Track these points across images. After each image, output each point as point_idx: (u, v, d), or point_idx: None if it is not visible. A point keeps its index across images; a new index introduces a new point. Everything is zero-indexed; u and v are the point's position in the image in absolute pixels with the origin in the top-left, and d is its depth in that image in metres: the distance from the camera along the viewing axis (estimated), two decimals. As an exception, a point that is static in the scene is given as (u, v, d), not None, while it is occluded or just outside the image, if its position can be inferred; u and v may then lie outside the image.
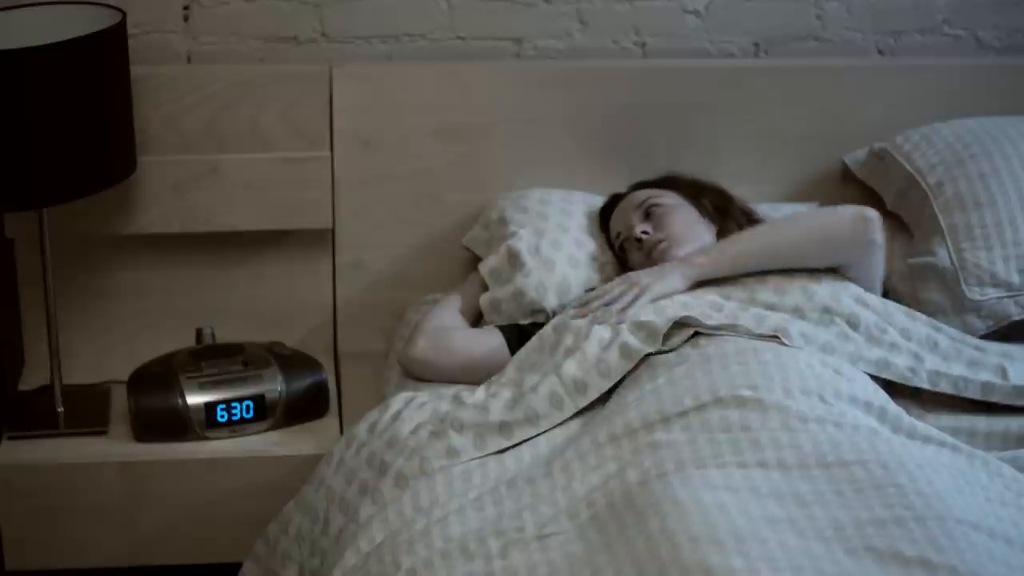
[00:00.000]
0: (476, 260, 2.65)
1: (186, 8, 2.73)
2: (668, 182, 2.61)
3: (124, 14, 2.43)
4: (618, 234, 2.55)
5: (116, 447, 2.54)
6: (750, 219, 2.58)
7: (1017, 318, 2.46)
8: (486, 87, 2.75)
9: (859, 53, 2.89)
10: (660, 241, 2.46)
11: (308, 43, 2.78)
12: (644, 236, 2.47)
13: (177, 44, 2.75)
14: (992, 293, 2.45)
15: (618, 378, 2.20)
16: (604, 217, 2.62)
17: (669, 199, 2.54)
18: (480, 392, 2.27)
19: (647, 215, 2.51)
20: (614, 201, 2.62)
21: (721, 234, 2.52)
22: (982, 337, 2.46)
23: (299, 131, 2.69)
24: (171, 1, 2.73)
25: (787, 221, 2.51)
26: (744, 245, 2.40)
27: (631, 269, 2.49)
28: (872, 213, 2.40)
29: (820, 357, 2.18)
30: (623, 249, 2.54)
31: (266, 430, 2.58)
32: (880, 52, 2.90)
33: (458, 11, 2.79)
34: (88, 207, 2.55)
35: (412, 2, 2.78)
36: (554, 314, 2.46)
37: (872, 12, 2.87)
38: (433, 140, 2.74)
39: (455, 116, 2.73)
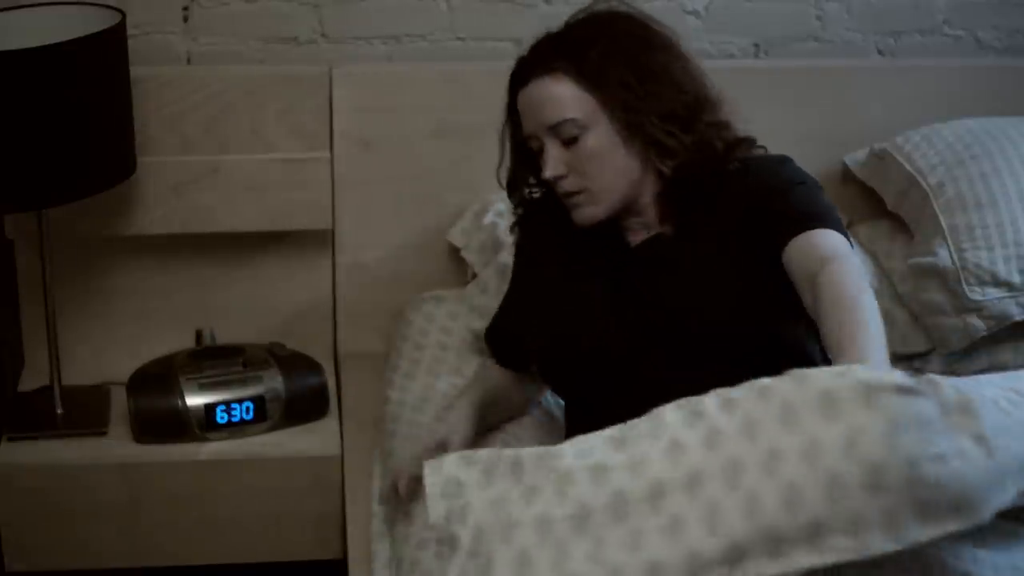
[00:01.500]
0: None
1: (186, 9, 2.73)
2: (603, 67, 2.04)
3: (124, 15, 2.43)
4: (528, 137, 2.11)
5: (116, 448, 2.54)
6: (728, 150, 2.09)
7: (1018, 319, 2.46)
8: (486, 88, 2.73)
9: (859, 54, 2.89)
10: (578, 192, 2.07)
11: (308, 44, 2.78)
12: (556, 175, 2.07)
13: (177, 45, 2.75)
14: (993, 293, 2.45)
15: None
16: (511, 92, 2.16)
17: (597, 125, 2.04)
18: None
19: (563, 141, 2.06)
20: (523, 74, 2.12)
21: (668, 191, 2.06)
22: (983, 338, 2.46)
23: (299, 132, 2.69)
24: (171, 2, 2.73)
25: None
26: None
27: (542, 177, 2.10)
28: None
29: None
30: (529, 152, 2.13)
31: (266, 431, 2.58)
32: (880, 53, 2.90)
33: (458, 12, 2.79)
34: (88, 208, 2.55)
35: (412, 3, 2.78)
36: None
37: (872, 13, 2.87)
38: (433, 141, 2.74)
39: (455, 117, 2.73)
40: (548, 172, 2.06)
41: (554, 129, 2.05)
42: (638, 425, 1.65)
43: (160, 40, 2.73)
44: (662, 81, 2.04)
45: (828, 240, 1.93)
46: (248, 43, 2.76)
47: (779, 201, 2.00)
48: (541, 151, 2.08)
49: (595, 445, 1.66)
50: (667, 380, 1.87)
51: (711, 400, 1.63)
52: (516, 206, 2.24)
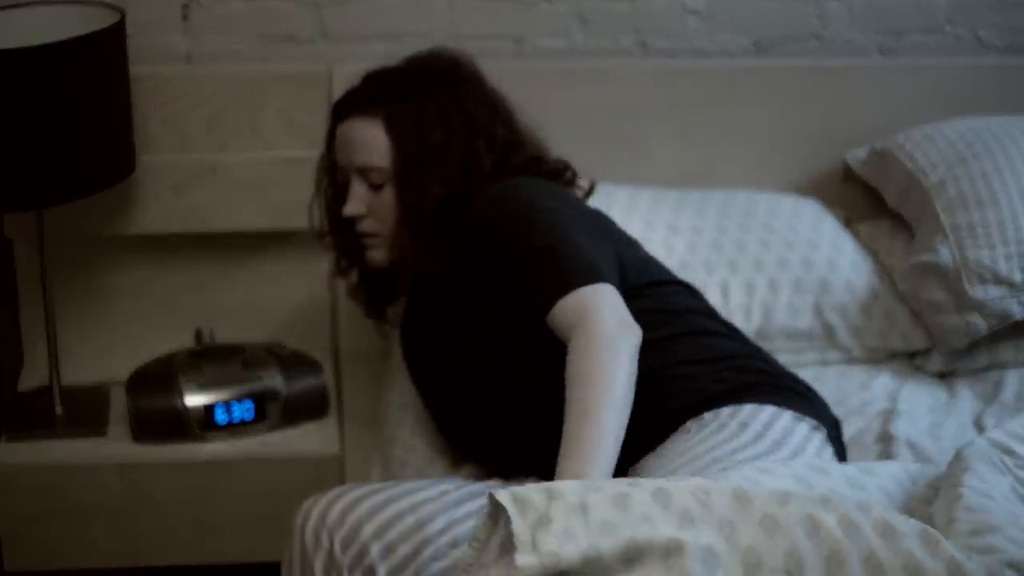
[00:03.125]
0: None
1: (185, 7, 2.73)
2: (402, 126, 2.13)
3: (123, 13, 2.43)
4: (339, 168, 2.21)
5: (115, 448, 2.54)
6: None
7: (1019, 317, 2.46)
8: (486, 87, 2.74)
9: (860, 53, 2.89)
10: (373, 236, 2.18)
11: (308, 43, 2.77)
12: (355, 215, 2.17)
13: (177, 44, 2.74)
14: (994, 292, 2.44)
15: None
16: (333, 121, 2.24)
17: (397, 169, 2.13)
18: None
19: (369, 184, 2.16)
20: (346, 107, 2.20)
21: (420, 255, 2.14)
22: (984, 336, 2.46)
23: (299, 131, 2.69)
24: (170, 0, 2.72)
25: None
26: None
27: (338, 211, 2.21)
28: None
29: None
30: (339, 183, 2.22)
31: (266, 431, 2.58)
32: (881, 52, 2.90)
33: (458, 10, 2.79)
34: (88, 207, 2.55)
35: (412, 1, 2.78)
36: None
37: (873, 12, 2.86)
38: (433, 140, 2.73)
39: (455, 116, 2.73)
40: (347, 210, 2.14)
41: (361, 171, 2.14)
42: None
43: (160, 39, 2.73)
44: (446, 159, 2.11)
45: (574, 304, 1.91)
46: (248, 42, 2.76)
47: (523, 272, 2.00)
48: (347, 186, 2.17)
49: None
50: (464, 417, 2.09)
51: None
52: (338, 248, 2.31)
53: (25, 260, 2.71)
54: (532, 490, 1.48)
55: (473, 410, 2.08)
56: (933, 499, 1.79)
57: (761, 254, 2.55)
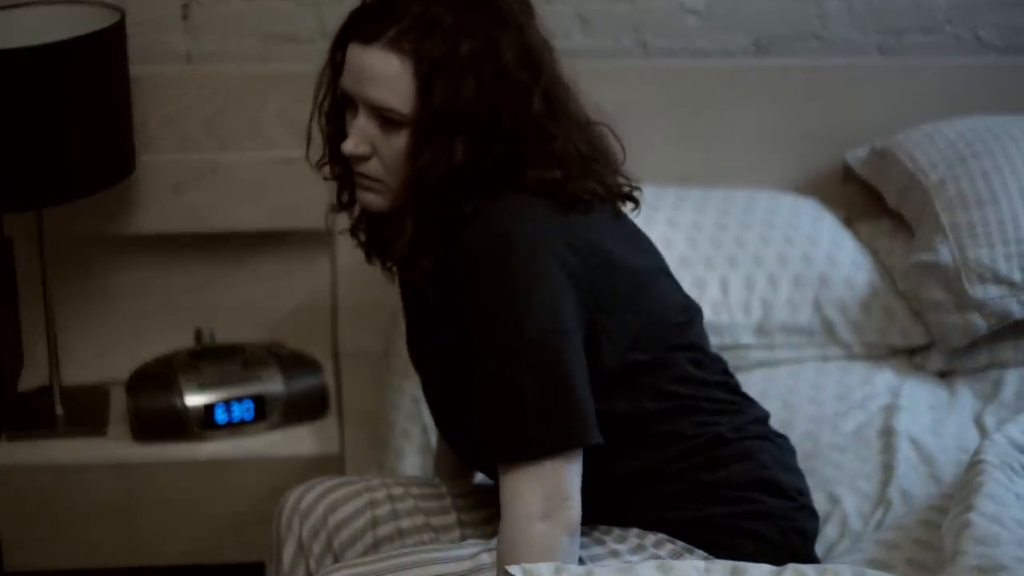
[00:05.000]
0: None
1: (185, 7, 2.73)
2: (435, 80, 1.73)
3: (123, 13, 2.43)
4: (344, 92, 1.82)
5: (115, 448, 2.54)
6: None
7: (1019, 317, 2.45)
8: (486, 87, 2.74)
9: (860, 52, 2.89)
10: (373, 179, 1.80)
11: (308, 43, 2.77)
12: (358, 155, 1.79)
13: (176, 43, 2.74)
14: (994, 291, 2.44)
15: None
16: (347, 35, 1.85)
17: (419, 121, 1.74)
18: None
19: (380, 122, 1.78)
20: (368, 28, 1.80)
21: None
22: (984, 335, 2.46)
23: (299, 131, 2.66)
24: (170, 1, 2.72)
25: None
26: None
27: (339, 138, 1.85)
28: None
29: None
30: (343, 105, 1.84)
31: (266, 431, 2.58)
32: (881, 52, 2.90)
33: (458, 10, 2.78)
34: (88, 207, 2.55)
35: (412, 2, 2.78)
36: None
37: (873, 11, 2.86)
38: (433, 140, 2.73)
39: (455, 116, 2.72)
40: (347, 147, 1.78)
41: (375, 108, 1.76)
42: None
43: (160, 39, 2.73)
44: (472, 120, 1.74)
45: (508, 479, 1.68)
46: (248, 42, 2.76)
47: (480, 390, 1.72)
48: (353, 115, 1.80)
49: None
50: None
51: None
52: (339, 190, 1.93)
53: (25, 260, 2.71)
54: (543, 567, 1.51)
55: (447, 433, 1.99)
56: (947, 508, 1.78)
57: (761, 250, 2.55)
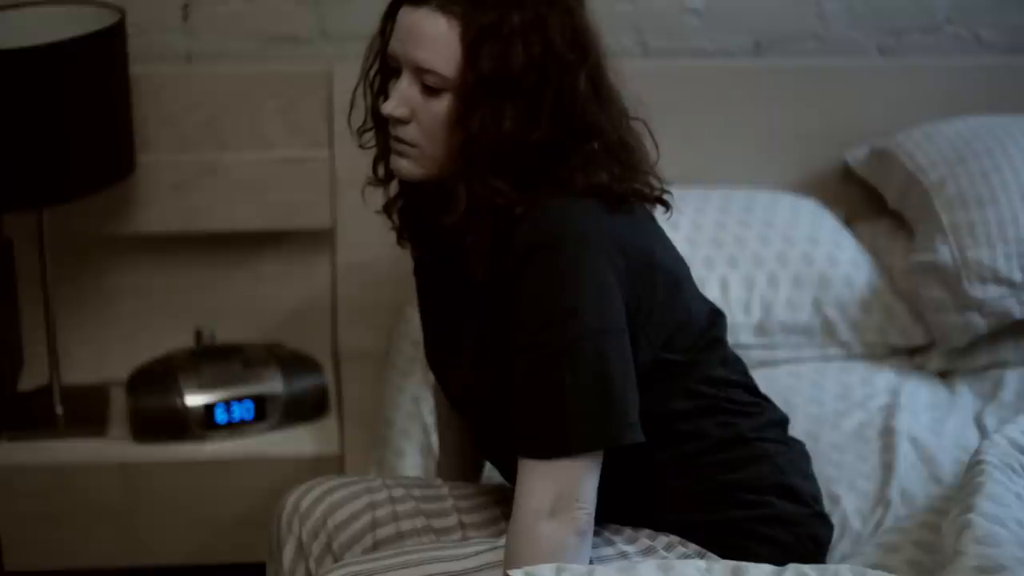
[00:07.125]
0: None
1: (185, 7, 2.73)
2: (481, 38, 1.71)
3: (123, 13, 2.43)
4: (391, 56, 1.78)
5: (115, 448, 2.54)
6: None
7: (1019, 316, 2.45)
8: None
9: (860, 52, 2.89)
10: (410, 144, 1.77)
11: (308, 43, 2.77)
12: (396, 116, 1.76)
13: (176, 43, 2.74)
14: (994, 291, 2.44)
15: None
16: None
17: (464, 85, 1.72)
18: None
19: (423, 86, 1.75)
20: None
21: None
22: (983, 335, 2.46)
23: (299, 130, 2.69)
24: (170, 1, 2.72)
25: None
26: None
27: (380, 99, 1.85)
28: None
29: None
30: (388, 70, 1.82)
31: (266, 431, 2.58)
32: (881, 52, 2.90)
33: (458, 10, 2.78)
34: (87, 207, 2.55)
35: (412, 2, 2.78)
36: None
37: (873, 11, 2.86)
38: (433, 140, 2.73)
39: (455, 116, 2.72)
40: (387, 108, 1.76)
41: (419, 70, 1.74)
42: None
43: (159, 39, 2.73)
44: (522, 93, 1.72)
45: (526, 470, 1.68)
46: (248, 42, 2.76)
47: (519, 388, 1.71)
48: (396, 78, 1.78)
49: None
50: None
51: None
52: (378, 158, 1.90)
53: (25, 260, 2.70)
54: (545, 568, 1.51)
55: (481, 436, 2.00)
56: (947, 510, 1.78)
57: (760, 250, 2.55)
